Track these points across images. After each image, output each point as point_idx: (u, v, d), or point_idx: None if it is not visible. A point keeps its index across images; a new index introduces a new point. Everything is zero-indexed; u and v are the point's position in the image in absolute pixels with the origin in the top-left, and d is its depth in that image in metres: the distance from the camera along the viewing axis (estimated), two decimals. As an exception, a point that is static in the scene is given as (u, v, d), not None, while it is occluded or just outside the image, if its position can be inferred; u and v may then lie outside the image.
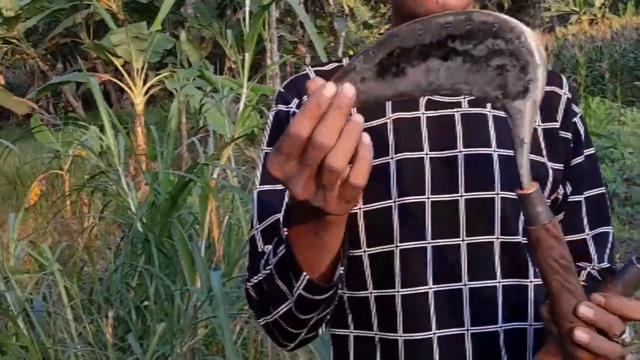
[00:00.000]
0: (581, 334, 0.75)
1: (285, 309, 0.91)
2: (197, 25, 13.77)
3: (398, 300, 0.98)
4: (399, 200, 0.98)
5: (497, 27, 0.68)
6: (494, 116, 1.03)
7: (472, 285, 0.97)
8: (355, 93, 0.67)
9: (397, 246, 0.98)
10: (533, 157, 1.02)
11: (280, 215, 1.00)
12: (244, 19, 4.84)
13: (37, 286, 3.51)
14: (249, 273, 1.00)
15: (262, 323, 0.98)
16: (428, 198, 0.98)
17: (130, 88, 7.29)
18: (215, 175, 3.81)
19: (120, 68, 7.90)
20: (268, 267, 0.92)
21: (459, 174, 0.99)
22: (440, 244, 0.98)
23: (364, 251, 1.01)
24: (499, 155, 1.00)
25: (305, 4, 14.41)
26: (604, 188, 1.11)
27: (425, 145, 1.00)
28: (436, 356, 0.97)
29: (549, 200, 1.04)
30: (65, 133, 7.61)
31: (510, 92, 0.70)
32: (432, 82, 0.70)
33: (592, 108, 10.32)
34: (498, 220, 0.98)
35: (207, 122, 6.06)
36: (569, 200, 1.07)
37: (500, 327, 0.98)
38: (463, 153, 1.00)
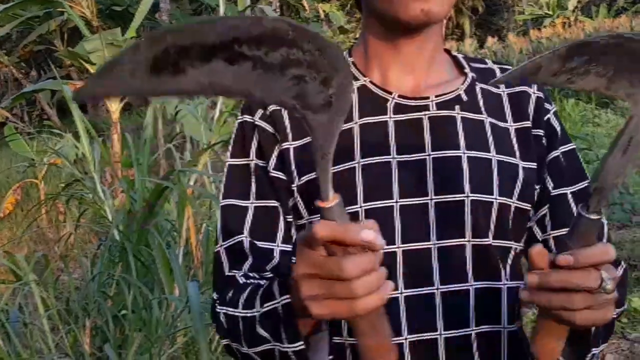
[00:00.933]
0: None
1: (260, 349, 0.90)
2: (173, 31, 13.70)
3: None
4: (365, 205, 0.98)
5: (291, 35, 0.65)
6: (462, 118, 1.03)
7: (444, 289, 0.97)
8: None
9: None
10: (504, 158, 1.02)
11: (243, 237, 1.02)
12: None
13: (13, 296, 3.47)
14: (217, 293, 0.99)
15: (226, 343, 0.98)
16: (397, 202, 0.98)
17: (105, 95, 7.23)
18: (192, 182, 3.79)
19: (95, 75, 7.81)
20: (249, 312, 0.91)
21: (428, 177, 0.99)
22: (410, 248, 0.97)
23: None
24: (468, 157, 1.00)
25: (280, 8, 14.41)
26: (587, 181, 1.09)
27: (393, 150, 1.00)
28: None
29: (528, 205, 1.04)
30: (40, 141, 7.54)
31: (311, 105, 0.69)
32: (217, 84, 0.67)
33: (567, 110, 10.42)
34: (469, 223, 0.98)
35: (183, 128, 6.03)
36: (553, 194, 1.06)
37: (473, 330, 0.98)
38: (432, 156, 1.00)
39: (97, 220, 5.03)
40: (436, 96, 1.04)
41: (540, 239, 1.06)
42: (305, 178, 1.01)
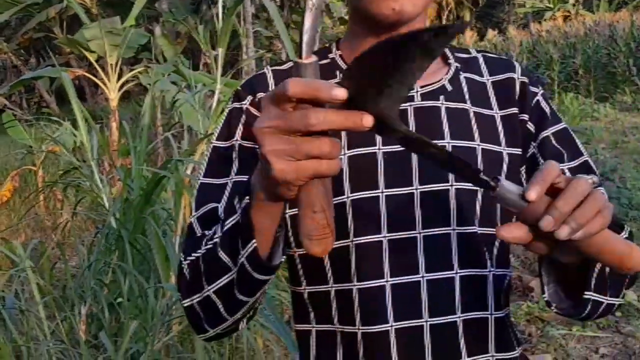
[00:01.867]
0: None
1: (222, 284, 0.90)
2: (172, 20, 13.66)
3: (355, 294, 1.00)
4: (352, 196, 0.99)
5: None
6: (446, 108, 1.04)
7: (430, 277, 0.98)
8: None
9: (352, 241, 0.99)
10: (488, 146, 1.04)
11: (216, 205, 1.00)
12: (218, 15, 4.82)
13: (9, 283, 3.48)
14: (184, 254, 0.99)
15: (186, 304, 0.97)
16: (382, 192, 0.99)
17: (104, 83, 7.24)
18: (189, 172, 3.80)
19: (94, 63, 7.81)
20: (211, 242, 0.91)
21: (413, 167, 1.00)
22: (396, 237, 0.99)
23: None
24: (452, 146, 1.01)
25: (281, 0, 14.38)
26: (586, 156, 1.10)
27: (379, 141, 1.01)
28: (394, 348, 0.98)
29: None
30: (38, 129, 7.54)
31: None
32: None
33: (566, 104, 10.44)
34: (454, 212, 0.99)
35: (182, 117, 6.03)
36: None
37: (459, 317, 0.99)
38: None
39: (94, 208, 5.03)
40: (421, 87, 1.05)
41: None
42: None
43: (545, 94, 1.13)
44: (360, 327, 1.00)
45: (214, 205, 1.01)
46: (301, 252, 1.05)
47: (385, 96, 0.68)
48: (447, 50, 1.13)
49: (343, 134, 1.02)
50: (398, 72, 0.66)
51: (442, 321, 0.99)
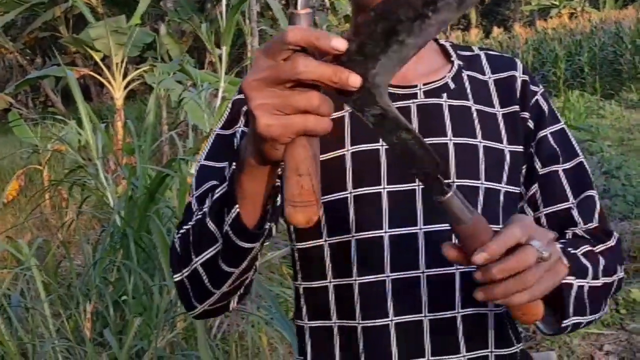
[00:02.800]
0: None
1: (209, 255, 0.91)
2: (177, 19, 13.69)
3: (355, 288, 1.00)
4: (355, 191, 1.00)
5: None
6: (449, 105, 1.05)
7: (430, 273, 0.99)
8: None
9: (353, 236, 1.00)
10: (490, 143, 1.04)
11: (215, 183, 0.98)
12: (222, 13, 4.83)
13: (15, 281, 3.49)
14: (177, 230, 0.99)
15: (177, 279, 0.97)
16: (384, 188, 1.00)
17: (109, 82, 7.26)
18: (193, 170, 3.80)
19: (100, 62, 7.83)
20: (201, 212, 0.92)
21: None
22: (397, 232, 0.99)
23: (325, 240, 1.03)
24: (454, 143, 1.02)
25: (286, -3, 14.38)
26: (581, 157, 1.11)
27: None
28: (393, 342, 0.99)
29: (517, 189, 1.06)
30: (44, 128, 7.55)
31: None
32: None
33: (571, 101, 10.39)
34: None
35: (187, 116, 6.04)
36: (541, 173, 1.08)
37: (459, 312, 1.00)
38: None
39: (100, 207, 5.04)
40: (424, 84, 1.06)
41: (533, 218, 1.08)
42: None
43: (545, 93, 1.13)
44: (361, 322, 1.00)
45: (212, 183, 1.00)
46: (300, 246, 1.06)
47: (387, 57, 0.67)
48: (450, 48, 1.13)
49: (346, 130, 1.02)
50: (418, 21, 0.66)
51: (441, 316, 0.99)
